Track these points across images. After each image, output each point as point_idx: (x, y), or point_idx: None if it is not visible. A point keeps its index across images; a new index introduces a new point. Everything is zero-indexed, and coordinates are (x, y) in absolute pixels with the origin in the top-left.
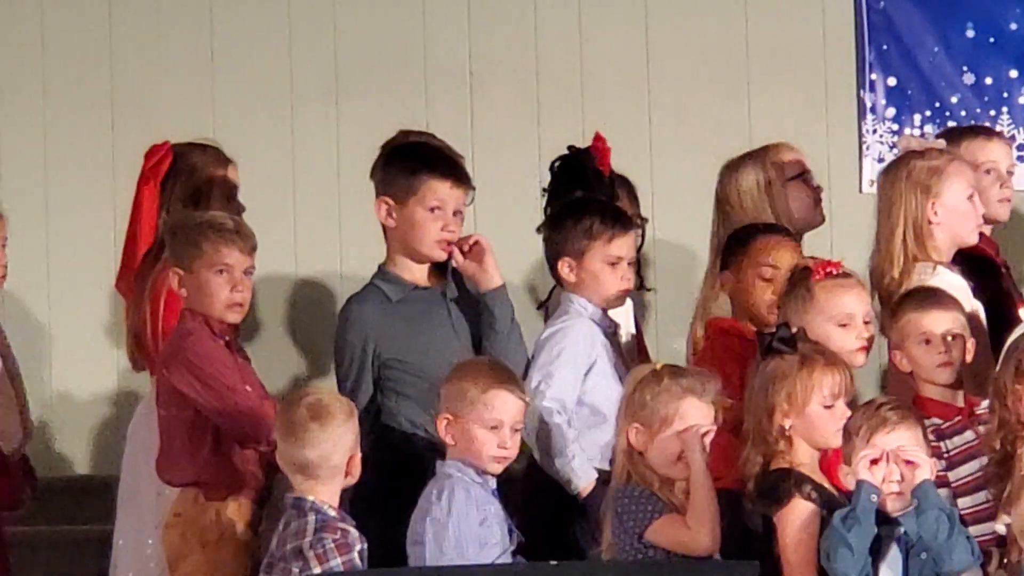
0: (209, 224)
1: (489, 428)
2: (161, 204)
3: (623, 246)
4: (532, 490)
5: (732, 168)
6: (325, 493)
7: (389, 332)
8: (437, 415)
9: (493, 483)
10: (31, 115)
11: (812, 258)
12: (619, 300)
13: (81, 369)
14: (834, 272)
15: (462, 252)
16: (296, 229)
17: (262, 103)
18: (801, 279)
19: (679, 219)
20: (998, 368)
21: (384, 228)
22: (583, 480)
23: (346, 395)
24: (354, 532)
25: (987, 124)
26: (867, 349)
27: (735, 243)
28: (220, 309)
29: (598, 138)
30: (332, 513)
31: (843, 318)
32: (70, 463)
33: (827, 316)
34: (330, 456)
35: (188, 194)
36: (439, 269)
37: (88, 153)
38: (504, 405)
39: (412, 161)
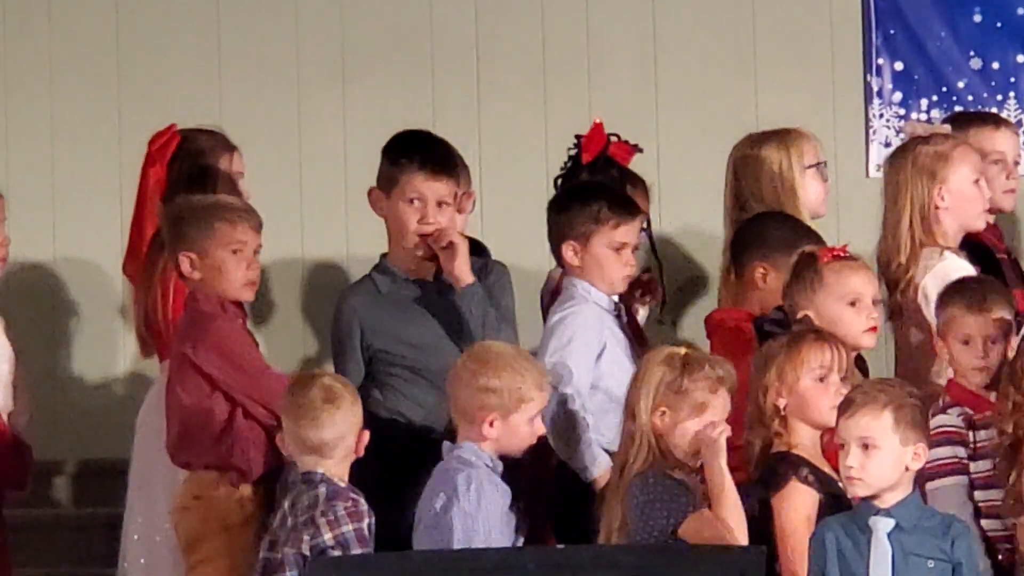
0: (220, 205)
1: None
2: (166, 187)
3: (628, 232)
4: (545, 472)
5: (756, 142)
6: (335, 468)
7: (377, 324)
8: (479, 415)
9: (500, 467)
10: (38, 100)
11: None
12: (622, 286)
13: (87, 352)
14: (841, 255)
15: (442, 248)
16: (303, 213)
17: (269, 87)
18: (808, 263)
19: (686, 205)
20: (1014, 353)
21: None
22: (599, 469)
23: None
24: (364, 503)
25: (994, 109)
26: (876, 330)
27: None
28: (237, 288)
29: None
30: (342, 484)
31: (853, 296)
32: (76, 446)
33: (837, 296)
34: (346, 435)
35: (192, 178)
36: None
37: (95, 137)
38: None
39: (395, 152)
